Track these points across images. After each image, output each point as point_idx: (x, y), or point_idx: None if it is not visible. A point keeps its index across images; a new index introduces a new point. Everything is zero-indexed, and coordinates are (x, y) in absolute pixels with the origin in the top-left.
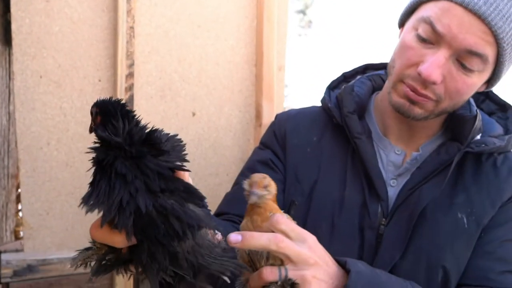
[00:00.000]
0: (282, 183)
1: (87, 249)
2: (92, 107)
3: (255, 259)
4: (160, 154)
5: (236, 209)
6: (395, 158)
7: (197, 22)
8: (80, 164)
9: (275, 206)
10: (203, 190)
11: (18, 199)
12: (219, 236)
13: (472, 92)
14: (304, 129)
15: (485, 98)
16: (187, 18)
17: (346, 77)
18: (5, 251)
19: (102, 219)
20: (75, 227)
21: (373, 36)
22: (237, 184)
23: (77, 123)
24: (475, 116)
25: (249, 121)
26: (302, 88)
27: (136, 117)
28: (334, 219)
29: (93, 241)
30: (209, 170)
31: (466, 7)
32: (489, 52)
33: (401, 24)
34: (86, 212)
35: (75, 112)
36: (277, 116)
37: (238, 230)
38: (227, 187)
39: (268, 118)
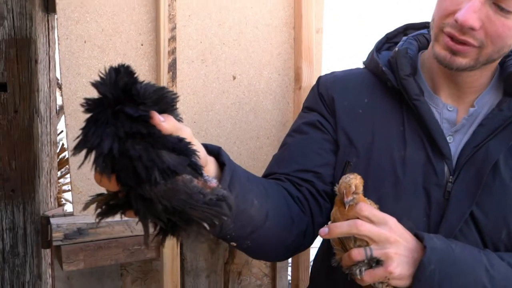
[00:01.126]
0: (331, 143)
1: (98, 195)
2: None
3: (345, 242)
4: (140, 103)
5: (283, 168)
6: (449, 115)
7: None
8: None
9: (363, 198)
10: (244, 154)
11: (60, 166)
12: (212, 183)
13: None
14: (354, 91)
15: None
16: None
17: (388, 38)
18: (53, 216)
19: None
20: None
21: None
22: (284, 145)
23: None
24: None
25: (288, 84)
26: (339, 50)
27: (135, 73)
28: (397, 177)
29: None
30: (250, 133)
31: None
32: None
33: None
34: (70, 155)
35: None
36: (321, 79)
37: (283, 188)
38: (267, 150)
39: (307, 81)
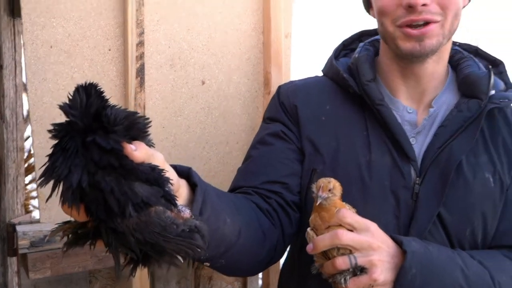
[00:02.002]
0: (296, 153)
1: (65, 222)
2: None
3: (328, 250)
4: (111, 131)
5: (250, 181)
6: (410, 117)
7: None
8: None
9: (340, 202)
10: (213, 159)
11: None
12: (185, 213)
13: (460, 3)
14: (315, 99)
15: (475, 54)
16: None
17: (345, 45)
18: (19, 223)
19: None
20: None
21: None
22: (249, 157)
23: None
24: (489, 72)
25: (257, 89)
26: (306, 55)
27: (105, 96)
28: (364, 182)
29: None
30: (220, 138)
31: None
32: None
33: (368, 7)
34: (37, 187)
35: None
36: (281, 88)
37: (252, 202)
38: (237, 154)
39: (276, 86)
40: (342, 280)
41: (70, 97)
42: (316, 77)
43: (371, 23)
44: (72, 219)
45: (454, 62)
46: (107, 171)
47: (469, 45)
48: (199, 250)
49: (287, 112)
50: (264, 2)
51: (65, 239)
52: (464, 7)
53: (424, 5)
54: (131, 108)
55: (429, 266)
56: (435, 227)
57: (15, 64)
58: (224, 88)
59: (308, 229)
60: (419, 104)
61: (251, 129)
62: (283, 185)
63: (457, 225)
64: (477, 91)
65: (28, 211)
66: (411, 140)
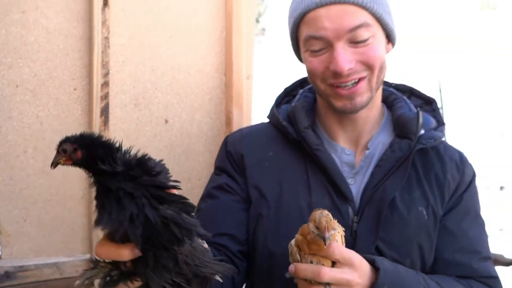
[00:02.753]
0: (240, 203)
1: (92, 268)
2: (64, 144)
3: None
4: (154, 175)
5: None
6: (348, 159)
7: (170, 32)
8: (57, 171)
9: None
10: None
11: None
12: (205, 244)
13: (384, 55)
14: (260, 146)
15: (410, 95)
16: (160, 28)
17: (287, 92)
18: None
19: (113, 235)
20: (53, 234)
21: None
22: (198, 210)
23: (54, 131)
24: (418, 113)
25: (219, 127)
26: (268, 95)
27: (116, 143)
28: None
29: (97, 261)
30: (182, 175)
31: (324, 4)
32: (365, 17)
33: (299, 55)
34: (102, 229)
35: (52, 120)
36: (229, 138)
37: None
38: (199, 191)
39: (238, 125)
40: None
41: (109, 157)
42: (262, 123)
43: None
44: (97, 264)
45: (389, 103)
46: (165, 206)
47: (404, 85)
48: (230, 270)
49: (233, 162)
50: (226, 45)
51: (98, 282)
52: (388, 52)
53: (350, 69)
54: None
55: (398, 283)
56: None
57: None
58: (187, 127)
59: (292, 242)
60: (356, 146)
61: (212, 166)
62: (230, 237)
63: (397, 259)
64: (407, 131)
65: None
66: (349, 180)
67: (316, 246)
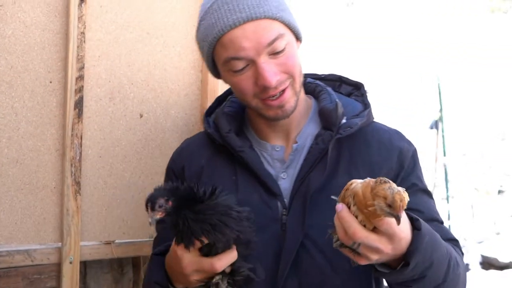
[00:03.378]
0: None
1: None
2: (157, 201)
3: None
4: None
5: None
6: (278, 155)
7: (147, 29)
8: (30, 161)
9: None
10: (149, 188)
11: None
12: None
13: (299, 58)
14: (194, 156)
15: (340, 83)
16: (137, 25)
17: (220, 101)
18: None
19: (211, 249)
20: (24, 221)
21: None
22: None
23: (28, 122)
24: (337, 104)
25: (194, 123)
26: None
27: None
28: None
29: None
30: (155, 169)
31: (238, 25)
32: (278, 28)
33: (217, 74)
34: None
35: (26, 111)
36: (173, 154)
37: None
38: None
39: None
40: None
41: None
42: (199, 133)
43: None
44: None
45: (316, 95)
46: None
47: (333, 74)
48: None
49: (175, 178)
50: None
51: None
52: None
53: (278, 81)
54: (68, 138)
55: (433, 235)
56: (311, 252)
57: None
58: (162, 122)
59: (357, 187)
60: (287, 142)
61: None
62: None
63: (329, 244)
64: (329, 123)
65: None
66: (282, 174)
67: (370, 213)
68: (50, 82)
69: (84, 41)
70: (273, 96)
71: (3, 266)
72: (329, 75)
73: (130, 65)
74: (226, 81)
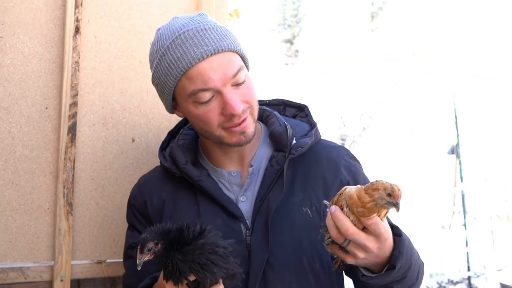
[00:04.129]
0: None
1: None
2: (146, 244)
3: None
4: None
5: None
6: (235, 180)
7: (139, 58)
8: (25, 183)
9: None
10: None
11: None
12: None
13: (256, 92)
14: (154, 191)
15: (284, 106)
16: (130, 54)
17: (172, 135)
18: None
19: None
20: (18, 240)
21: (360, 64)
22: (125, 268)
23: (24, 145)
24: (286, 126)
25: None
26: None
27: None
28: None
29: None
30: None
31: (206, 57)
32: (238, 60)
33: (172, 108)
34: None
35: (23, 135)
36: (132, 190)
37: None
38: None
39: None
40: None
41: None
42: (156, 167)
43: (353, 86)
44: None
45: (264, 119)
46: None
47: (277, 99)
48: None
49: (138, 213)
50: None
51: None
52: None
53: (242, 108)
54: (61, 161)
55: (409, 241)
56: (276, 269)
57: None
58: (153, 146)
59: (351, 191)
60: (242, 166)
61: None
62: None
63: (293, 260)
64: (281, 145)
65: None
66: (241, 198)
67: (367, 211)
68: (46, 108)
69: (78, 70)
70: (236, 124)
71: None
72: (273, 100)
73: (123, 92)
74: (188, 114)
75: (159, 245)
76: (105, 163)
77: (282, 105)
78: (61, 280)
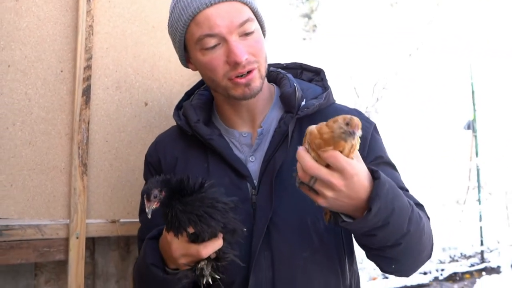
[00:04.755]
0: None
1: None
2: (152, 191)
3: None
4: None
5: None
6: (245, 140)
7: (152, 23)
8: (42, 143)
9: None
10: None
11: None
12: None
13: (265, 46)
14: (168, 149)
15: (302, 70)
16: (143, 19)
17: (188, 95)
18: None
19: (198, 237)
20: (35, 198)
21: (377, 38)
22: (140, 221)
23: (40, 107)
24: (295, 88)
25: None
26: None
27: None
28: None
29: (192, 266)
30: None
31: (214, 3)
32: (248, 12)
33: (186, 61)
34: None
35: (39, 97)
36: (148, 149)
37: None
38: None
39: None
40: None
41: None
42: (172, 127)
43: (371, 61)
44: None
45: (278, 82)
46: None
47: (294, 63)
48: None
49: (154, 170)
50: None
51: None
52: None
53: (247, 59)
54: (76, 123)
55: (394, 185)
56: (279, 228)
57: None
58: (166, 110)
59: (313, 128)
60: (253, 128)
61: None
62: None
63: (297, 219)
64: (290, 106)
65: None
66: (250, 158)
67: (323, 143)
68: (61, 71)
69: (92, 34)
70: (241, 75)
71: (16, 238)
72: (290, 63)
73: (136, 57)
74: (196, 63)
75: (163, 192)
76: (119, 125)
77: (300, 69)
78: (77, 238)
